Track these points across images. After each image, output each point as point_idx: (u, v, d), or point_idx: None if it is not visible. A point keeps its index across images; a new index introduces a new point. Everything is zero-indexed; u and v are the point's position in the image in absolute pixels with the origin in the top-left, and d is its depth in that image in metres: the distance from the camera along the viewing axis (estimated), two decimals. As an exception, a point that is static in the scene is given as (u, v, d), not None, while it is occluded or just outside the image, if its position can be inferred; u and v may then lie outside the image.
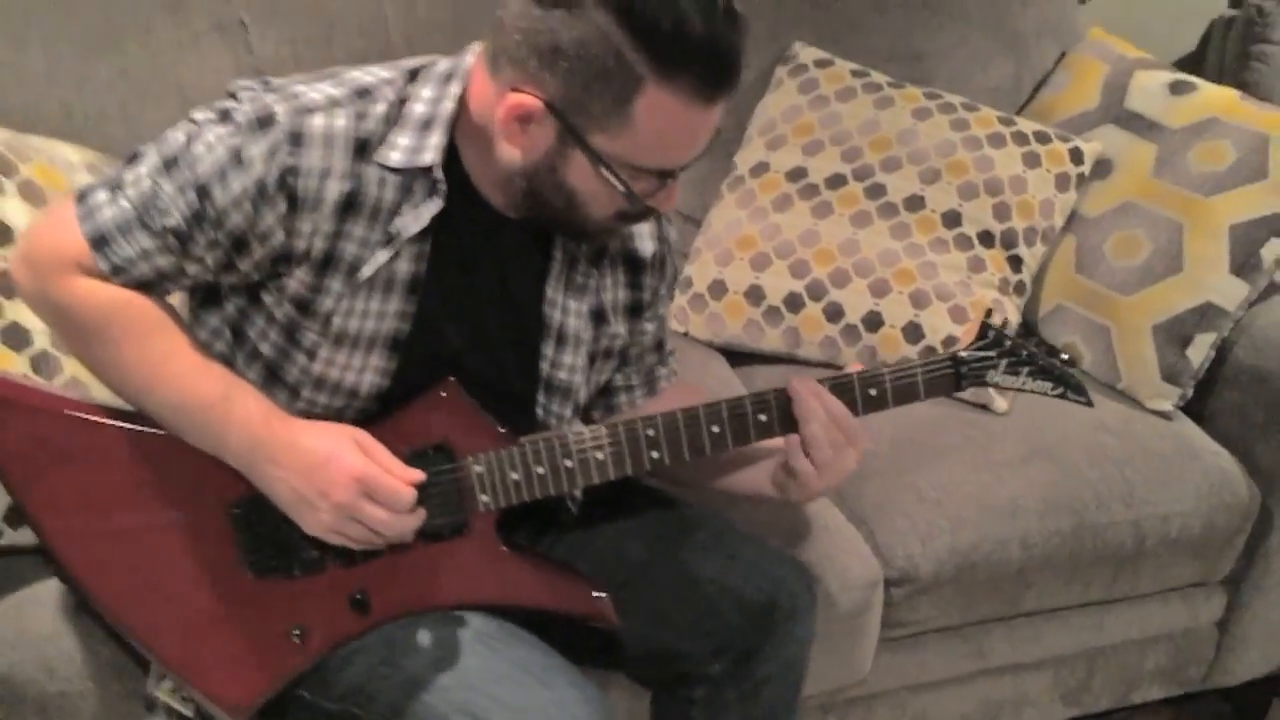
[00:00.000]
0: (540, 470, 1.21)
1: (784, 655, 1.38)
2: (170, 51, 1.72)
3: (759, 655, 1.35)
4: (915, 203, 1.87)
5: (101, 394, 1.24)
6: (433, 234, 1.15)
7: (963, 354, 1.27)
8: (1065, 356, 1.27)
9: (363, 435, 1.15)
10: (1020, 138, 1.92)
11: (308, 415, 1.19)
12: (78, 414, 1.19)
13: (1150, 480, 1.75)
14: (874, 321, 1.83)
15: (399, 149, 1.11)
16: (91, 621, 1.29)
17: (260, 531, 1.19)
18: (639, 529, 1.39)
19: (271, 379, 1.20)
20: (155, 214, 1.10)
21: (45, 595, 1.31)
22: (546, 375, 1.27)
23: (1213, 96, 1.93)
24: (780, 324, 1.85)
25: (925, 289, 1.83)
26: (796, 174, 1.90)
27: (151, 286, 1.14)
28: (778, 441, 1.27)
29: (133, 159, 1.12)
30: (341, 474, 1.11)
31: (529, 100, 1.06)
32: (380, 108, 1.12)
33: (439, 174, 1.12)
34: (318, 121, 1.09)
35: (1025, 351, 1.27)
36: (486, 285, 1.22)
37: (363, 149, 1.10)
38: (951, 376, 1.27)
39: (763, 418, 1.23)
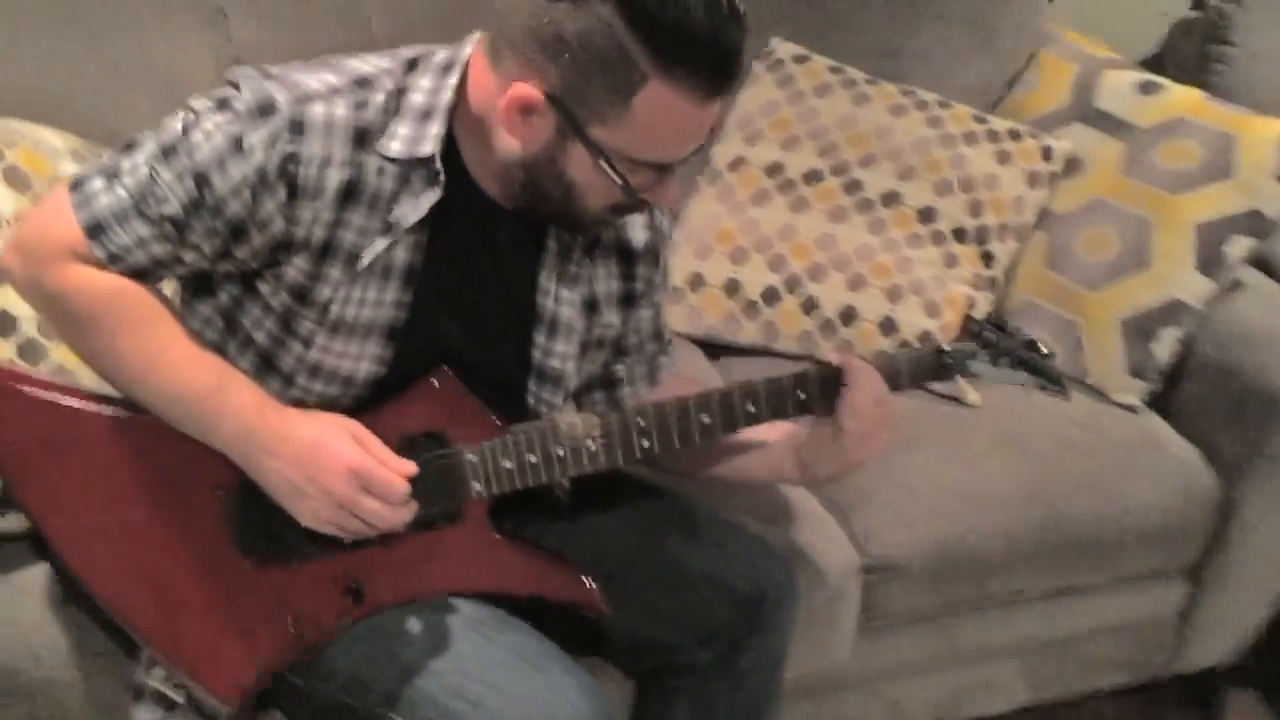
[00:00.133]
0: (533, 459, 1.22)
1: (769, 645, 1.40)
2: (151, 39, 1.71)
3: (745, 645, 1.38)
4: (891, 198, 1.90)
5: (89, 381, 1.24)
6: (430, 224, 1.15)
7: (946, 345, 1.30)
8: (1045, 350, 1.31)
9: (357, 427, 1.15)
10: (993, 135, 1.96)
11: (302, 403, 1.19)
12: (70, 401, 1.18)
13: (1117, 472, 1.79)
14: (850, 315, 1.85)
15: (399, 139, 1.12)
16: (79, 610, 1.29)
17: (254, 519, 1.19)
18: (628, 519, 1.40)
19: (265, 367, 1.20)
20: (152, 202, 1.10)
21: (33, 583, 1.31)
22: (538, 363, 1.28)
23: (1180, 97, 1.98)
24: (758, 317, 1.87)
25: (901, 284, 1.86)
26: (774, 169, 1.92)
27: (147, 275, 1.14)
28: (773, 431, 1.29)
29: (129, 147, 1.12)
30: (336, 465, 1.11)
31: (530, 91, 1.07)
32: (380, 97, 1.12)
33: (438, 164, 1.12)
34: (318, 110, 1.09)
35: (1007, 344, 1.30)
36: (482, 275, 1.23)
37: (363, 138, 1.11)
38: (935, 365, 1.30)
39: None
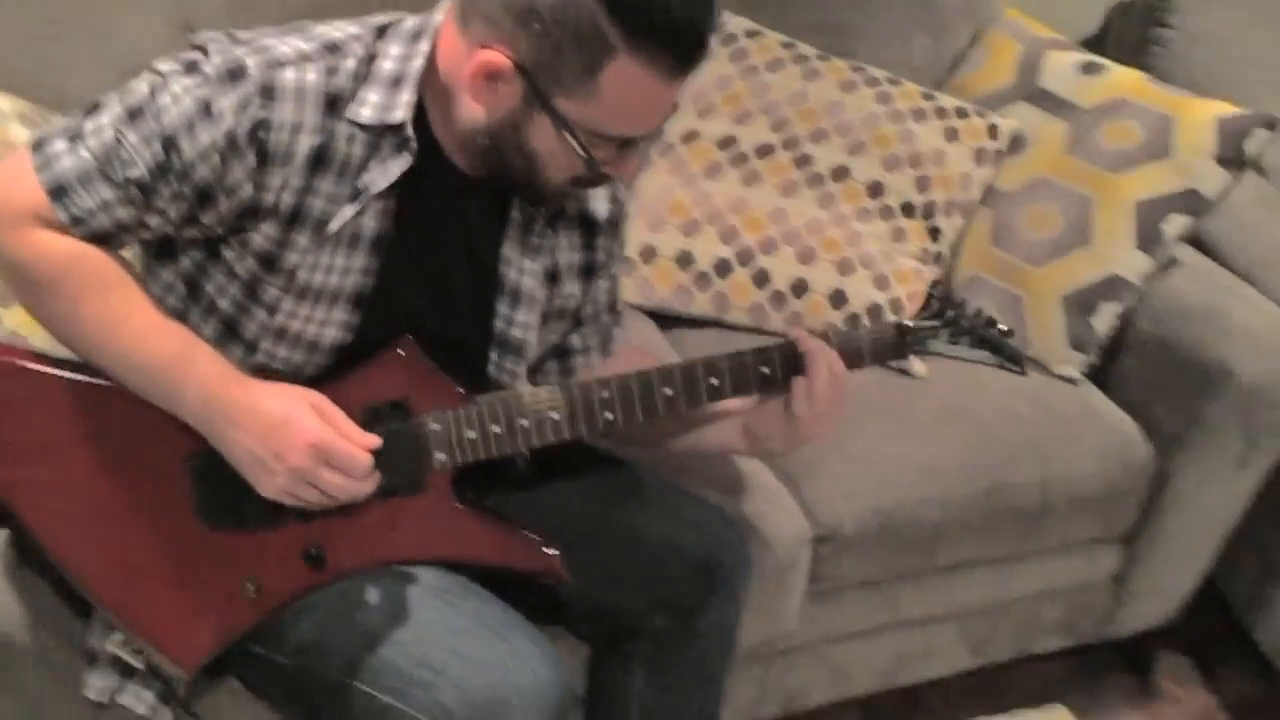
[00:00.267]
0: (496, 429, 1.23)
1: (723, 611, 1.43)
2: (100, 3, 1.67)
3: (699, 611, 1.40)
4: (841, 173, 1.93)
5: (42, 342, 1.22)
6: (398, 191, 1.15)
7: (908, 322, 1.33)
8: (1004, 327, 1.34)
9: (320, 399, 1.14)
10: (941, 113, 1.99)
11: (265, 370, 1.19)
12: (30, 364, 1.16)
13: (1057, 442, 1.84)
14: (801, 288, 1.88)
15: (369, 105, 1.11)
16: (33, 576, 1.27)
17: (216, 485, 1.18)
18: (585, 488, 1.42)
19: (228, 334, 1.19)
20: (118, 165, 1.08)
21: (-16, 548, 1.29)
22: (500, 333, 1.29)
23: (1121, 78, 2.03)
24: (709, 289, 1.89)
25: (850, 257, 1.89)
26: (727, 142, 1.94)
27: (110, 239, 1.12)
28: (730, 404, 1.31)
29: (93, 109, 1.10)
30: (299, 439, 1.10)
31: (498, 58, 1.07)
32: (350, 64, 1.11)
33: (409, 131, 1.12)
34: (289, 75, 1.08)
35: (967, 322, 1.33)
36: (449, 244, 1.23)
37: (333, 104, 1.10)
38: (897, 343, 1.33)
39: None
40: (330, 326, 1.19)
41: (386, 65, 1.12)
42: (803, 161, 1.93)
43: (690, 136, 1.95)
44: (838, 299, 1.87)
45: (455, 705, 1.14)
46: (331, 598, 1.22)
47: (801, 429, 1.29)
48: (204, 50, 1.09)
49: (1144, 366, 1.93)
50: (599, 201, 1.32)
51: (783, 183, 1.92)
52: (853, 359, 1.31)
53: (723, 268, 1.88)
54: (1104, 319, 1.91)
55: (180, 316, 1.18)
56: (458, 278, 1.25)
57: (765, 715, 1.85)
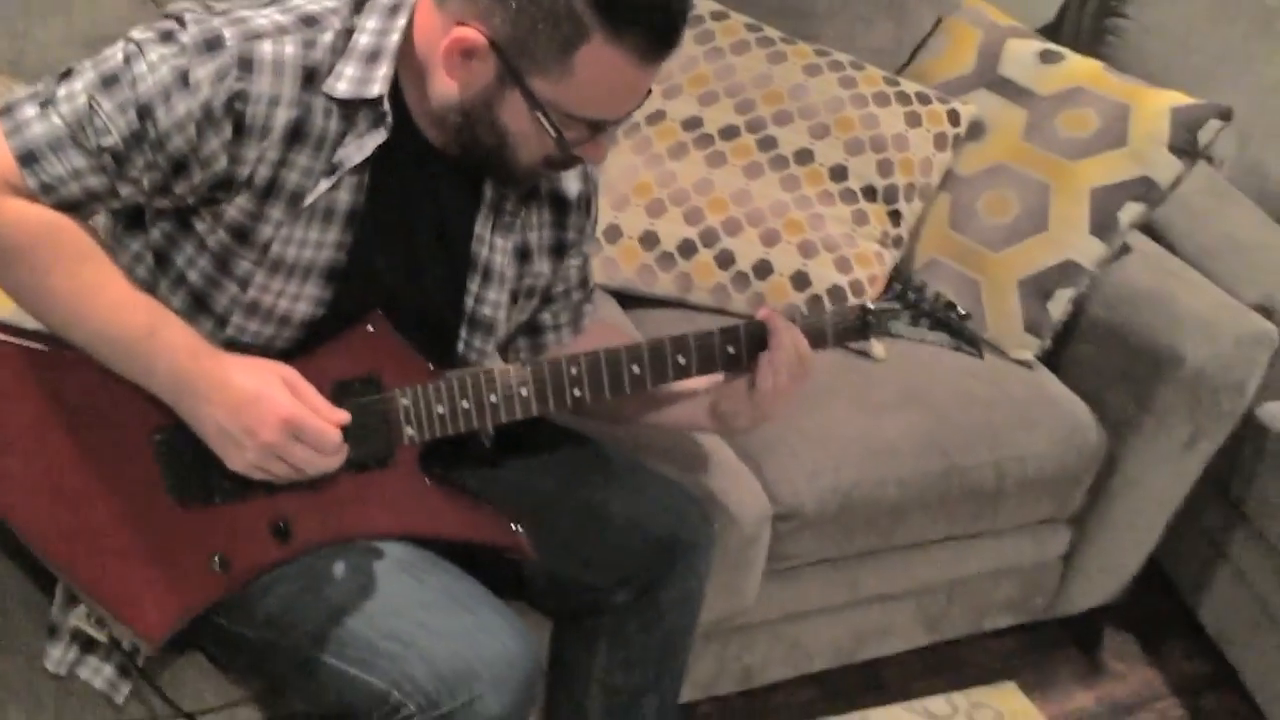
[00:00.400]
0: (465, 405, 1.23)
1: (684, 586, 1.45)
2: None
3: (661, 586, 1.42)
4: (804, 156, 1.95)
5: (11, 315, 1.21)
6: (373, 166, 1.15)
7: (870, 305, 1.35)
8: (963, 311, 1.37)
9: (291, 374, 1.14)
10: (903, 98, 2.01)
11: (236, 343, 1.18)
12: (-5, 336, 1.16)
13: (1011, 424, 1.87)
14: (764, 269, 1.90)
15: (345, 79, 1.11)
16: (-5, 549, 1.27)
17: (184, 458, 1.18)
18: (549, 464, 1.43)
19: (198, 307, 1.19)
20: (91, 132, 1.07)
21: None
22: (471, 310, 1.29)
23: (1079, 67, 2.06)
24: (673, 269, 1.91)
25: (813, 240, 1.91)
26: (692, 123, 1.95)
27: (80, 208, 1.11)
28: (697, 382, 1.32)
29: (66, 75, 1.09)
30: (269, 414, 1.10)
31: (473, 35, 1.07)
32: (327, 37, 1.11)
33: (386, 106, 1.12)
34: (267, 48, 1.08)
35: (927, 305, 1.36)
36: (421, 219, 1.23)
37: (311, 78, 1.10)
38: (859, 325, 1.35)
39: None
40: (302, 301, 1.19)
41: (363, 39, 1.12)
42: (767, 144, 1.95)
43: (656, 117, 1.96)
44: (800, 281, 1.90)
45: (423, 677, 1.15)
46: (299, 571, 1.22)
47: (765, 403, 1.31)
48: (180, 20, 1.08)
49: (1096, 351, 1.97)
50: (570, 180, 1.33)
51: (747, 164, 1.93)
52: (816, 339, 1.33)
53: (687, 248, 1.90)
54: (1059, 304, 1.95)
55: (148, 288, 1.17)
56: (429, 254, 1.25)
57: (723, 691, 1.88)
